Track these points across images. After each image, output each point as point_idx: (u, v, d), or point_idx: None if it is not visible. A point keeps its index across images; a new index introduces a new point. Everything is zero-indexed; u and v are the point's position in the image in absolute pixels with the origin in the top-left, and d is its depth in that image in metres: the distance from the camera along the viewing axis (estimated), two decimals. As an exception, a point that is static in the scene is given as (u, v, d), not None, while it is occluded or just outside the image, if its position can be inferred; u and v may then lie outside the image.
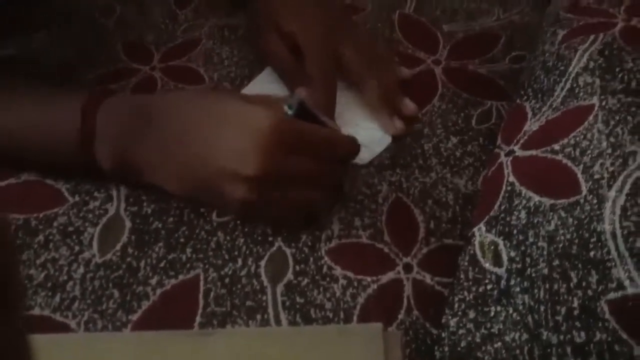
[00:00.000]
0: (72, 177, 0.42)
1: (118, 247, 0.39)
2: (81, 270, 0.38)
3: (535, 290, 0.32)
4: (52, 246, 0.39)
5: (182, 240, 0.40)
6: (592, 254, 0.31)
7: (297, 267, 0.38)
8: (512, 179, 0.37)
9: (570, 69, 0.40)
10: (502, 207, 0.36)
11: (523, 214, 0.35)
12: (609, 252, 0.30)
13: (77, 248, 0.39)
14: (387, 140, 0.46)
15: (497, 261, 0.34)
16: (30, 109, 0.41)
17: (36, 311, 0.36)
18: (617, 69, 0.38)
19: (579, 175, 0.34)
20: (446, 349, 0.34)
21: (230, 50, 0.52)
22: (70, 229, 0.40)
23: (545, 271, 0.32)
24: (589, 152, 0.35)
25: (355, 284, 0.38)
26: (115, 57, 0.51)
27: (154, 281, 0.38)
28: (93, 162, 0.39)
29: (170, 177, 0.38)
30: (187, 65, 0.50)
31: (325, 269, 0.38)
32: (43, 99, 0.42)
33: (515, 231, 0.35)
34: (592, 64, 0.39)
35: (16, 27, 0.52)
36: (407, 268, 0.38)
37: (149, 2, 0.57)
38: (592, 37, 0.41)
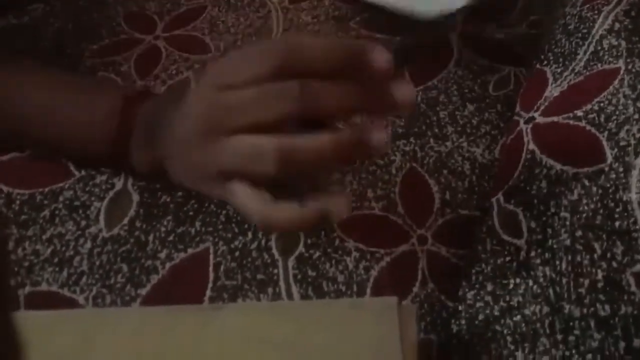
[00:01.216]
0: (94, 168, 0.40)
1: (126, 221, 0.38)
2: (88, 245, 0.37)
3: (557, 262, 0.30)
4: (59, 221, 0.38)
5: (191, 213, 0.39)
6: (617, 224, 0.29)
7: (309, 240, 0.37)
8: (532, 147, 0.35)
9: (594, 31, 0.38)
10: (522, 177, 0.35)
11: (544, 184, 0.33)
12: (635, 222, 0.29)
13: (83, 223, 0.38)
14: None
15: (516, 232, 0.33)
16: (66, 97, 0.39)
17: (43, 287, 0.36)
18: (645, 30, 0.36)
19: (604, 143, 0.32)
20: (463, 322, 0.33)
21: (237, 18, 0.50)
22: (77, 203, 0.39)
23: (568, 242, 0.30)
24: (614, 118, 0.33)
25: (368, 256, 0.36)
26: (117, 28, 0.50)
27: (163, 255, 0.37)
28: (126, 163, 0.38)
29: (180, 176, 0.36)
30: (192, 34, 0.49)
31: (337, 242, 0.37)
32: (78, 88, 0.40)
33: (535, 201, 0.33)
34: (617, 26, 0.37)
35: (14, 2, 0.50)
36: (422, 240, 0.37)
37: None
38: (617, -4, 0.39)
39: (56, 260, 0.37)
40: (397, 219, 0.38)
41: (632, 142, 0.31)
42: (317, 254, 0.37)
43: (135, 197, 0.40)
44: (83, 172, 0.40)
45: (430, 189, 0.40)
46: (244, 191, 0.31)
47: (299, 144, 0.30)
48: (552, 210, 0.32)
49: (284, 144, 0.30)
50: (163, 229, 0.38)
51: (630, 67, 0.35)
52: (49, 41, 0.48)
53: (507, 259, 0.33)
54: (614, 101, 0.34)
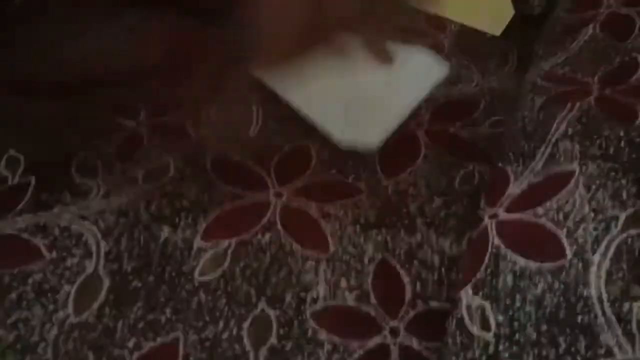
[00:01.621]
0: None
1: (95, 306, 0.38)
2: (55, 331, 0.36)
3: (525, 356, 0.31)
4: (25, 305, 0.38)
5: (162, 299, 0.39)
6: (579, 318, 0.31)
7: (281, 331, 0.37)
8: (497, 241, 0.37)
9: (550, 135, 0.42)
10: (488, 270, 0.36)
11: (509, 278, 0.35)
12: (596, 317, 0.30)
13: (51, 307, 0.38)
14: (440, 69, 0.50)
15: (485, 325, 0.34)
16: None
17: (4, 375, 0.34)
18: (595, 136, 0.40)
19: (564, 239, 0.34)
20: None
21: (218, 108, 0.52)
22: (46, 286, 0.39)
23: (534, 336, 0.32)
24: (572, 216, 0.35)
25: (341, 349, 0.37)
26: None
27: (131, 344, 0.36)
28: None
29: None
30: (174, 121, 0.51)
31: (310, 333, 0.37)
32: None
33: (502, 295, 0.34)
34: (570, 131, 0.41)
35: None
36: (394, 332, 0.38)
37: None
38: (569, 104, 0.43)
39: (19, 346, 0.36)
40: (370, 310, 0.39)
41: (589, 239, 0.34)
42: (290, 345, 0.37)
43: (106, 282, 0.39)
44: (55, 254, 0.40)
45: (402, 280, 0.41)
46: None
47: None
48: (518, 304, 0.33)
49: None
50: (132, 315, 0.38)
51: (583, 169, 0.38)
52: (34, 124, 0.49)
53: (477, 352, 0.33)
54: (570, 200, 0.36)
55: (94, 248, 0.41)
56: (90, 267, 0.40)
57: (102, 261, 0.40)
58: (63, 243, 0.41)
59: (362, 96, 0.50)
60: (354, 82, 0.51)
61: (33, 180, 0.45)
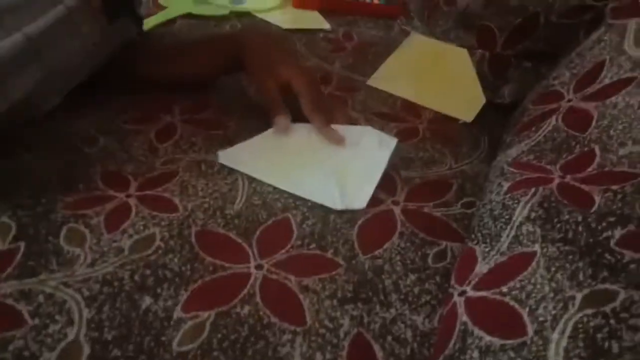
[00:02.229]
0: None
1: (73, 374, 0.38)
2: (31, 399, 0.37)
3: None
4: (4, 372, 0.38)
5: (140, 369, 0.39)
6: (540, 395, 0.32)
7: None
8: (465, 318, 0.39)
9: (514, 217, 0.45)
10: (457, 346, 0.38)
11: (476, 354, 0.36)
12: (555, 394, 0.32)
13: (30, 375, 0.38)
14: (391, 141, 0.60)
15: (452, 400, 0.35)
16: None
17: None
18: (555, 220, 0.43)
19: (525, 318, 0.36)
20: None
21: (206, 183, 0.55)
22: (26, 353, 0.39)
23: (498, 412, 0.33)
24: (533, 295, 0.38)
25: (314, 421, 0.37)
26: (93, 184, 0.53)
27: (106, 413, 0.37)
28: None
29: None
30: (163, 195, 0.53)
31: (284, 405, 0.38)
32: None
33: (469, 370, 0.36)
34: (533, 214, 0.44)
35: (7, 147, 0.54)
36: (366, 406, 0.38)
37: (131, 136, 0.61)
38: (532, 190, 0.46)
39: (-5, 414, 0.36)
40: (343, 384, 0.40)
41: (549, 317, 0.36)
42: (264, 416, 0.37)
43: (86, 350, 0.40)
44: (37, 321, 0.41)
45: (375, 355, 0.42)
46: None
47: None
48: (484, 379, 0.35)
49: None
50: (110, 384, 0.38)
51: (544, 251, 0.41)
52: (29, 188, 0.52)
53: None
54: (532, 280, 0.39)
55: (76, 316, 0.42)
56: (71, 334, 0.41)
57: (83, 329, 0.41)
58: (46, 310, 0.42)
59: (336, 170, 0.58)
60: (322, 159, 0.59)
61: (22, 246, 0.46)
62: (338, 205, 0.54)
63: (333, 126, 0.61)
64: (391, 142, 0.60)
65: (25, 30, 0.47)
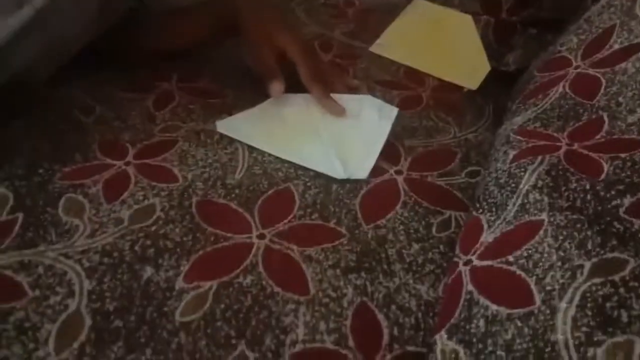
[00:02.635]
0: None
1: (75, 345, 0.38)
2: (33, 369, 0.37)
3: (496, 400, 0.32)
4: (5, 342, 0.38)
5: (142, 340, 0.39)
6: (547, 363, 0.32)
7: (260, 372, 0.38)
8: (470, 287, 0.39)
9: (521, 186, 0.44)
10: (462, 315, 0.38)
11: (482, 323, 0.36)
12: (563, 362, 0.32)
13: (31, 345, 0.38)
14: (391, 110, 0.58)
15: (458, 369, 0.35)
16: None
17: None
18: (563, 188, 0.42)
19: (532, 287, 0.36)
20: None
21: (205, 153, 0.54)
22: (27, 324, 0.39)
23: (505, 380, 0.33)
24: (540, 264, 0.37)
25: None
26: (91, 154, 0.53)
27: (110, 383, 0.36)
28: None
29: None
30: (162, 164, 0.52)
31: (288, 374, 0.38)
32: None
33: (474, 339, 0.36)
34: (540, 183, 0.43)
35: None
36: (371, 375, 0.38)
37: (127, 103, 0.59)
38: (539, 157, 0.46)
39: (-3, 385, 0.36)
40: (348, 353, 0.39)
41: (556, 287, 0.35)
42: (268, 386, 0.37)
43: (88, 321, 0.40)
44: (37, 292, 0.41)
45: (380, 324, 0.42)
46: None
47: None
48: (490, 348, 0.35)
49: None
50: (113, 355, 0.38)
51: (552, 219, 0.40)
52: (24, 158, 0.51)
53: (450, 395, 0.34)
54: (539, 249, 0.38)
55: (77, 287, 0.41)
56: (72, 305, 0.40)
57: (84, 300, 0.41)
58: (46, 281, 0.41)
59: (337, 140, 0.57)
60: (323, 129, 0.58)
61: (20, 217, 0.45)
62: (340, 175, 0.53)
63: (333, 96, 0.60)
64: (392, 112, 0.59)
65: (34, 3, 0.48)
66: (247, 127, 0.57)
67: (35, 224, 0.45)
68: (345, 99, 0.60)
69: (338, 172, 0.53)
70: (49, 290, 0.41)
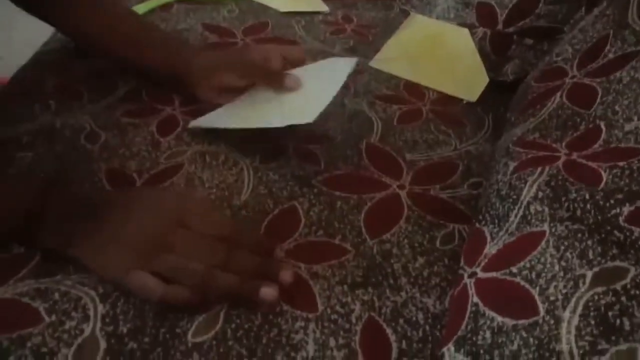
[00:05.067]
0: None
1: (91, 369, 0.39)
2: (52, 394, 0.37)
3: (504, 411, 0.33)
4: (23, 368, 0.38)
5: (156, 361, 0.40)
6: (553, 373, 0.33)
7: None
8: (476, 299, 0.40)
9: (522, 197, 0.45)
10: (469, 327, 0.38)
11: (488, 334, 0.37)
12: (568, 372, 0.32)
13: (49, 370, 0.39)
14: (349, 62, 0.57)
15: (466, 381, 0.36)
16: None
17: None
18: (563, 199, 0.43)
19: (536, 297, 0.37)
20: None
21: (211, 174, 0.55)
22: (44, 349, 0.40)
23: (512, 391, 0.33)
24: (543, 275, 0.38)
25: (330, 406, 0.38)
26: (98, 183, 0.53)
27: (126, 406, 0.37)
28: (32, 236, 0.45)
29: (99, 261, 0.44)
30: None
31: (300, 391, 0.38)
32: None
33: (481, 351, 0.36)
34: (540, 194, 0.44)
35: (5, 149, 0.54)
36: (381, 389, 0.39)
37: (132, 131, 0.60)
38: (539, 169, 0.46)
39: (16, 411, 0.36)
40: (358, 368, 0.40)
41: (560, 297, 0.36)
42: (281, 403, 0.38)
43: (103, 344, 0.40)
44: (54, 317, 0.41)
45: (388, 338, 0.42)
46: (143, 277, 0.43)
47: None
48: (497, 359, 0.35)
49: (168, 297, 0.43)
50: (128, 377, 0.39)
51: (553, 230, 0.41)
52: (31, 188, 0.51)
53: (460, 407, 0.35)
54: (542, 260, 0.39)
55: (91, 311, 0.42)
56: (87, 329, 0.41)
57: (99, 324, 0.41)
58: (62, 307, 0.42)
59: (288, 95, 0.57)
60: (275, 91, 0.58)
61: (38, 254, 0.46)
62: (281, 123, 0.52)
63: (294, 71, 0.59)
64: (351, 61, 0.58)
65: None
66: (216, 117, 0.60)
67: (53, 259, 0.46)
68: (306, 68, 0.60)
69: (282, 120, 0.53)
70: (65, 316, 0.42)
